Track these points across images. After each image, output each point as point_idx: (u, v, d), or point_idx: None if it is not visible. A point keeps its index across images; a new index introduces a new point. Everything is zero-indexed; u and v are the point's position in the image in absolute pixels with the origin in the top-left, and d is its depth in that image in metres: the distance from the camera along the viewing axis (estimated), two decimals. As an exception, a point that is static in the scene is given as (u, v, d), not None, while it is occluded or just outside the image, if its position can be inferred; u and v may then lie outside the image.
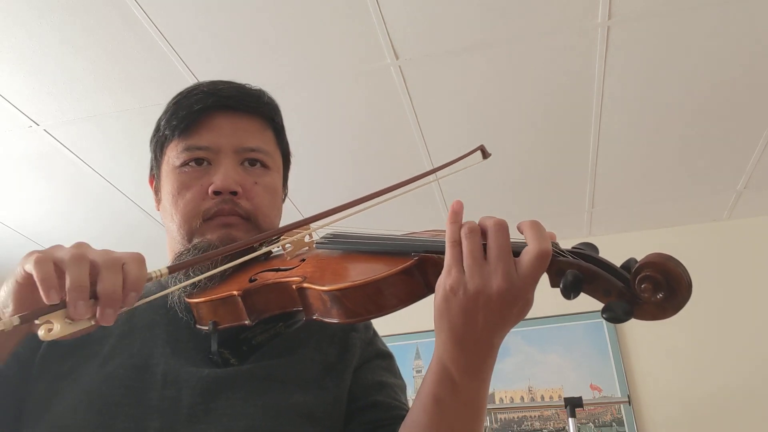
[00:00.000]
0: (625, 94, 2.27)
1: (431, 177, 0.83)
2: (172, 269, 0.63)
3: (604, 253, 0.64)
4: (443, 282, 0.63)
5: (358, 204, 0.78)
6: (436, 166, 2.69)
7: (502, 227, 0.62)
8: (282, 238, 0.84)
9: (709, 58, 2.11)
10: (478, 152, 0.92)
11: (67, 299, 0.55)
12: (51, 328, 0.54)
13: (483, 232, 0.64)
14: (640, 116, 2.39)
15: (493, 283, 0.61)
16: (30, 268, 0.57)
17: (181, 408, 0.75)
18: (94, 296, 0.56)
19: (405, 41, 2.01)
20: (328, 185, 2.74)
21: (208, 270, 0.80)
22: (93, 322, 0.56)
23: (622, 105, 2.33)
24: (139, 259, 0.60)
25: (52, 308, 0.55)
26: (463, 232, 0.63)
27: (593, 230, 3.29)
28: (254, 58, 2.05)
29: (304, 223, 0.78)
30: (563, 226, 3.22)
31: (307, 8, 1.89)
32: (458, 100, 2.29)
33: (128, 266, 0.58)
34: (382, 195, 0.80)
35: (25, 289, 0.58)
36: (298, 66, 2.10)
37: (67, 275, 0.56)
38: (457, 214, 0.65)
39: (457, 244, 0.63)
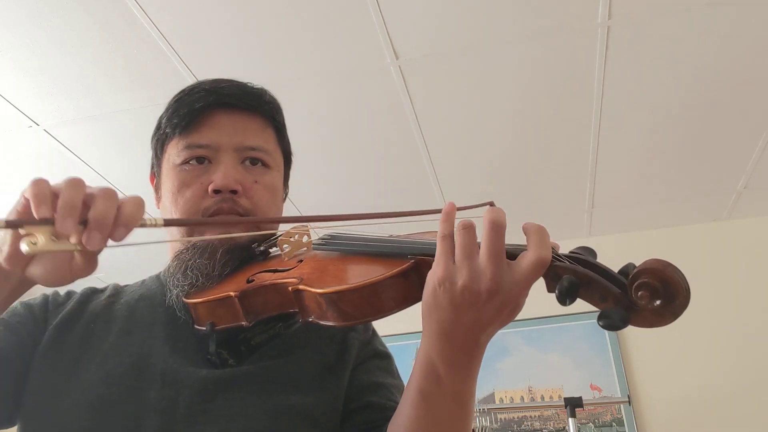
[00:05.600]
0: (625, 94, 2.27)
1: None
2: (167, 222, 0.62)
3: (605, 253, 0.64)
4: (432, 274, 0.63)
5: (361, 218, 0.78)
6: (435, 167, 2.69)
7: (497, 227, 0.60)
8: (280, 238, 0.84)
9: (709, 58, 2.11)
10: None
11: (56, 215, 0.54)
12: (35, 242, 0.53)
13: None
14: (640, 116, 2.39)
15: (482, 282, 0.60)
16: (27, 191, 0.57)
17: (178, 408, 0.75)
18: (84, 224, 0.56)
19: (405, 41, 2.01)
20: (327, 185, 2.74)
21: (210, 263, 0.82)
22: (79, 248, 0.55)
23: (622, 105, 2.33)
24: (138, 201, 0.59)
25: (40, 222, 0.54)
26: (457, 225, 0.63)
27: (593, 230, 3.29)
28: (253, 58, 2.05)
29: (304, 219, 0.78)
30: (563, 226, 3.22)
31: (307, 9, 1.89)
32: (458, 100, 2.29)
33: (126, 202, 0.58)
34: (385, 217, 0.79)
35: (23, 215, 0.57)
36: (298, 66, 2.10)
37: (60, 195, 0.56)
38: (449, 214, 0.64)
39: (448, 238, 0.63)
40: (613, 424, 2.92)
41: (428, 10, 1.90)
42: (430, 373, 0.67)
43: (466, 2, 1.88)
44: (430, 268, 0.65)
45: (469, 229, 0.62)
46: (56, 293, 0.90)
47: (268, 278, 0.77)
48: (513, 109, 2.34)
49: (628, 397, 2.72)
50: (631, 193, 2.95)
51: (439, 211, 0.67)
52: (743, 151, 2.63)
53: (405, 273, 0.66)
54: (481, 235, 0.61)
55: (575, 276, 0.58)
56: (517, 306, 0.62)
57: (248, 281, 0.79)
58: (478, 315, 0.62)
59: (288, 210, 0.95)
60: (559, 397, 2.92)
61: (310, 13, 1.90)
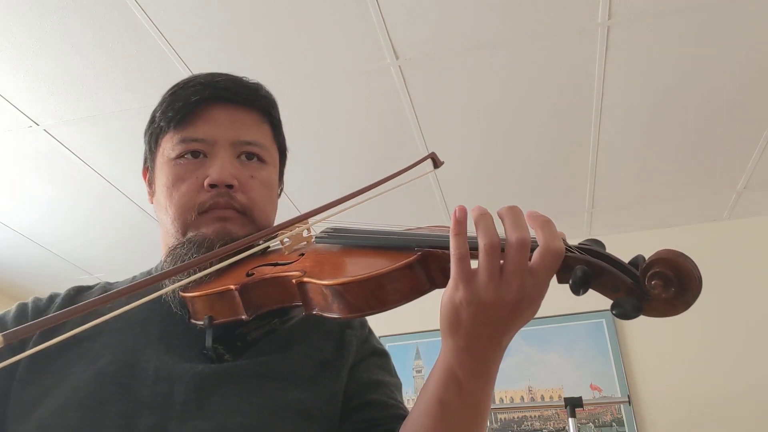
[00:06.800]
0: (625, 94, 2.27)
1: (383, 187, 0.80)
2: None
3: (605, 254, 0.64)
4: (452, 295, 0.62)
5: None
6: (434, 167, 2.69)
7: (525, 247, 0.59)
8: (280, 232, 0.82)
9: (709, 58, 2.11)
10: (429, 161, 0.89)
11: None
12: None
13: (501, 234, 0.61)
14: (640, 116, 2.39)
15: (507, 295, 0.60)
16: None
17: (173, 404, 0.74)
18: None
19: (405, 41, 2.01)
20: (327, 185, 2.74)
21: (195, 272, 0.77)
22: None
23: (622, 105, 2.32)
24: None
25: None
26: (483, 246, 0.60)
27: (593, 230, 3.29)
28: (254, 58, 2.05)
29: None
30: (563, 226, 3.18)
31: (308, 8, 1.89)
32: (458, 100, 2.29)
33: None
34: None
35: None
36: (298, 66, 2.10)
37: None
38: (461, 224, 0.60)
39: (465, 259, 0.60)
40: (613, 424, 2.92)
41: (428, 10, 1.90)
42: (452, 383, 0.66)
43: (465, 2, 1.88)
44: (436, 260, 0.65)
45: (496, 249, 0.60)
46: (36, 299, 0.87)
47: (269, 272, 0.76)
48: (513, 109, 2.34)
49: (628, 397, 2.71)
50: (631, 193, 2.95)
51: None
52: (743, 151, 2.63)
53: (411, 265, 0.66)
54: (505, 251, 0.60)
55: (588, 266, 0.59)
56: (538, 304, 0.62)
57: (248, 275, 0.77)
58: (503, 323, 0.62)
59: (287, 208, 0.95)
60: (559, 397, 2.92)
61: (310, 13, 1.90)
